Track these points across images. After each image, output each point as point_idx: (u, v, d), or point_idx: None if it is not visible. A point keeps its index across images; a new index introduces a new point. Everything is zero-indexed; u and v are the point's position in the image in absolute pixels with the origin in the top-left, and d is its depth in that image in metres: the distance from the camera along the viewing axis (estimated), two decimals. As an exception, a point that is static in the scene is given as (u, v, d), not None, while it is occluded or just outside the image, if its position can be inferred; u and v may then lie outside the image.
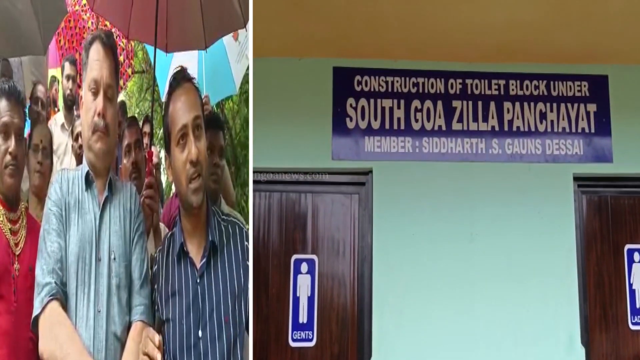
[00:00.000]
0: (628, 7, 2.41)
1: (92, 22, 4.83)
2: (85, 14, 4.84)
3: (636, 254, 2.89)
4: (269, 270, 2.75)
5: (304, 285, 2.74)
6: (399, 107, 2.87)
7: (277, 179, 2.81)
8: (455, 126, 2.90)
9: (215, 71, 4.14)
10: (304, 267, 2.76)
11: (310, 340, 2.72)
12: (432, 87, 2.91)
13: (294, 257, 2.77)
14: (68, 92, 4.05)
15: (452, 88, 2.92)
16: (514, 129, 2.93)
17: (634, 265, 2.89)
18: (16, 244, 2.17)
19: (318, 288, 2.75)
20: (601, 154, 2.91)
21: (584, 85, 2.95)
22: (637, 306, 2.84)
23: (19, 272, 2.13)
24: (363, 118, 2.86)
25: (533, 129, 2.93)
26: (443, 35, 2.67)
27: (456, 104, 2.90)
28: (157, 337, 1.82)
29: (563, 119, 2.94)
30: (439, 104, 2.90)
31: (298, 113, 2.83)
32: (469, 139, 2.88)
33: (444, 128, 2.88)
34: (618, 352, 2.82)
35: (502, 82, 2.96)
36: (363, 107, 2.86)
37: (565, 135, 2.93)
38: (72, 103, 4.01)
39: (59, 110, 4.34)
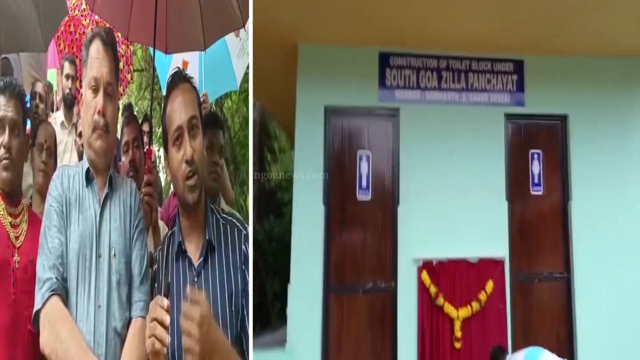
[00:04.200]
0: (537, 21, 4.69)
1: (91, 28, 4.60)
2: (85, 20, 4.86)
3: (535, 155, 5.36)
4: (346, 160, 5.06)
5: (364, 167, 5.06)
6: (413, 75, 5.23)
7: (351, 112, 5.10)
8: (443, 85, 5.26)
9: (216, 66, 4.29)
10: (364, 158, 5.09)
11: (368, 196, 5.06)
12: (431, 63, 5.25)
13: (359, 151, 5.05)
14: (67, 91, 4.03)
15: (441, 64, 5.28)
16: (473, 88, 5.32)
17: (534, 162, 5.37)
18: (17, 237, 2.16)
19: (372, 169, 5.05)
20: (519, 101, 5.34)
21: (510, 65, 5.37)
22: (535, 181, 5.33)
23: (19, 264, 2.11)
24: (394, 80, 5.19)
25: (483, 88, 5.32)
26: (436, 34, 4.94)
27: (443, 73, 5.28)
28: (165, 302, 1.79)
29: (499, 83, 5.36)
30: (434, 73, 5.25)
31: (362, 78, 5.05)
32: (450, 92, 5.27)
33: (436, 86, 5.25)
34: (525, 205, 5.29)
35: (467, 61, 5.31)
36: (394, 75, 5.21)
37: (500, 92, 5.35)
38: (71, 102, 4.03)
39: (58, 109, 4.38)
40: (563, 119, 5.40)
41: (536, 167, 5.33)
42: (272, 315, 6.55)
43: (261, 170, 8.73)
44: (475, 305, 4.87)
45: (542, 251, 5.24)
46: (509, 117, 5.34)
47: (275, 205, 7.99)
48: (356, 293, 4.82)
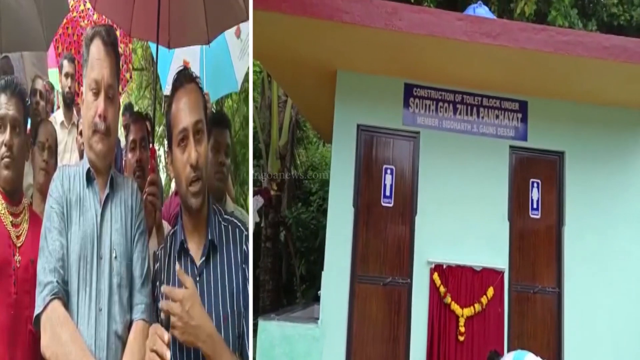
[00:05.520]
0: (538, 72, 5.66)
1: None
2: (84, 21, 4.83)
3: (534, 183, 6.13)
4: (373, 170, 5.80)
5: (388, 179, 5.80)
6: (432, 105, 6.06)
7: (379, 131, 5.87)
8: (457, 117, 6.10)
9: (217, 67, 4.28)
10: (388, 171, 5.84)
11: (391, 203, 5.78)
12: (448, 97, 6.08)
13: (384, 166, 5.84)
14: (67, 89, 3.99)
15: (456, 98, 6.12)
16: (483, 121, 6.14)
17: (533, 189, 6.14)
18: (18, 237, 2.14)
19: (394, 181, 5.79)
20: (522, 136, 6.16)
21: (516, 104, 6.22)
22: (534, 206, 6.07)
23: (20, 264, 2.09)
24: (417, 107, 6.01)
25: (492, 122, 6.16)
26: (453, 75, 5.82)
27: (458, 106, 6.11)
28: (166, 335, 1.76)
29: (505, 119, 6.19)
30: (451, 105, 6.08)
31: (389, 104, 5.87)
32: (463, 122, 6.08)
33: (452, 116, 6.08)
34: (524, 225, 6.02)
35: (479, 98, 6.15)
36: (417, 103, 6.03)
37: (506, 127, 6.18)
38: (71, 101, 4.00)
39: (58, 108, 4.36)
40: (561, 155, 6.19)
41: (535, 194, 6.09)
42: (298, 294, 7.21)
43: (292, 159, 9.56)
44: (477, 306, 5.51)
45: (538, 267, 5.94)
46: (513, 148, 6.11)
47: (302, 194, 8.83)
48: (377, 284, 5.47)
